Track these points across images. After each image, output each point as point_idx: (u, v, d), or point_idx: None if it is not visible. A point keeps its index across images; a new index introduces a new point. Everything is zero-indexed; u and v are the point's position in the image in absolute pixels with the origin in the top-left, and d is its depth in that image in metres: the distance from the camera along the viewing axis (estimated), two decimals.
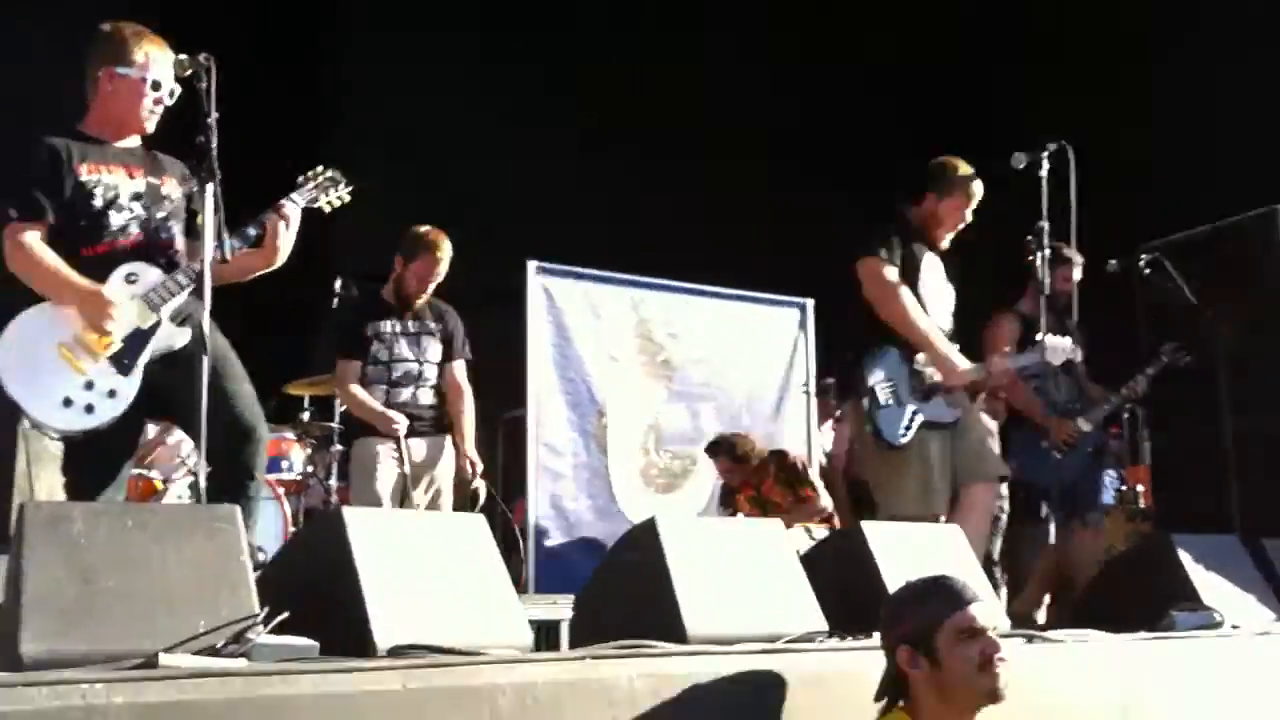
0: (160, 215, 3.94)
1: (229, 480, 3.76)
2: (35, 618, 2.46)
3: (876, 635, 3.17)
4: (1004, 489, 5.79)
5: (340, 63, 11.58)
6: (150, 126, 4.02)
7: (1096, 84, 10.06)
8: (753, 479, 7.05)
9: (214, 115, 3.67)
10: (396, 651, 2.73)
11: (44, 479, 5.36)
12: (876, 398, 5.04)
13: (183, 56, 3.79)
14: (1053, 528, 5.69)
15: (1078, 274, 6.04)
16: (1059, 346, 5.16)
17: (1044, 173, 5.24)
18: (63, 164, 3.84)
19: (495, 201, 11.89)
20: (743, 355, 7.49)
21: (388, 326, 5.80)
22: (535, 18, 11.50)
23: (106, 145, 3.97)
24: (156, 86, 3.95)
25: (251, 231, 3.94)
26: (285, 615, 2.69)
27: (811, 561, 3.80)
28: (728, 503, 7.20)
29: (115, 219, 3.87)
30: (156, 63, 3.94)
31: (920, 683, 2.88)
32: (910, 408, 5.06)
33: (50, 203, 3.81)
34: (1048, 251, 5.30)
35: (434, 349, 5.88)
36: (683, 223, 10.26)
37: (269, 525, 5.98)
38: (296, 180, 4.13)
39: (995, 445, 5.37)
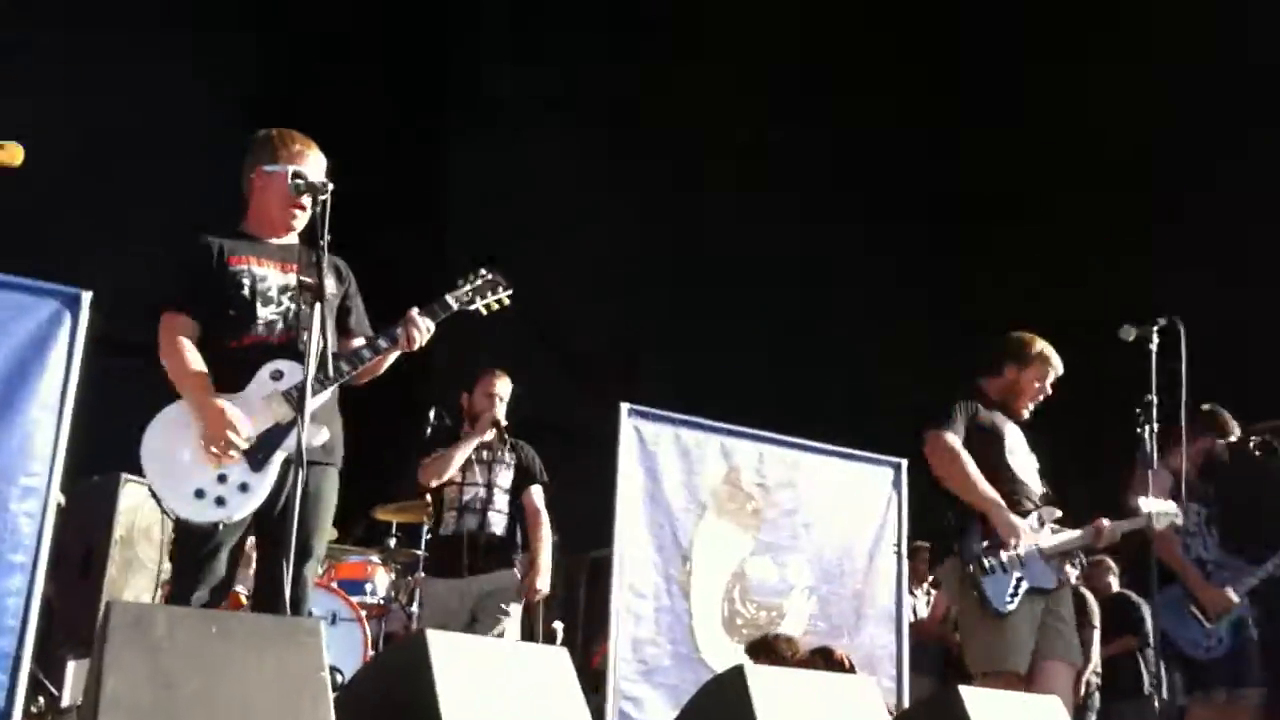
0: (311, 311, 3.88)
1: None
2: (112, 718, 2.42)
3: None
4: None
5: (445, 188, 11.86)
6: (296, 223, 4.06)
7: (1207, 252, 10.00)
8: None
9: (327, 238, 3.73)
10: None
11: (134, 585, 5.42)
12: (982, 563, 4.92)
13: (299, 181, 3.90)
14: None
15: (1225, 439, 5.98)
16: (1162, 511, 5.13)
17: (1153, 346, 5.15)
18: (213, 256, 3.92)
19: (591, 340, 12.02)
20: (834, 511, 7.30)
21: None
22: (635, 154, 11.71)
23: (260, 241, 4.04)
24: (299, 176, 3.97)
25: (382, 344, 3.97)
26: None
27: None
28: None
29: (263, 312, 3.90)
30: (300, 159, 4.02)
31: None
32: (1015, 574, 4.97)
33: (199, 293, 3.89)
34: (1155, 426, 5.17)
35: (505, 476, 6.00)
36: (779, 368, 10.25)
37: (349, 648, 5.91)
38: (456, 281, 4.15)
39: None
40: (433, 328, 4.06)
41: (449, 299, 4.12)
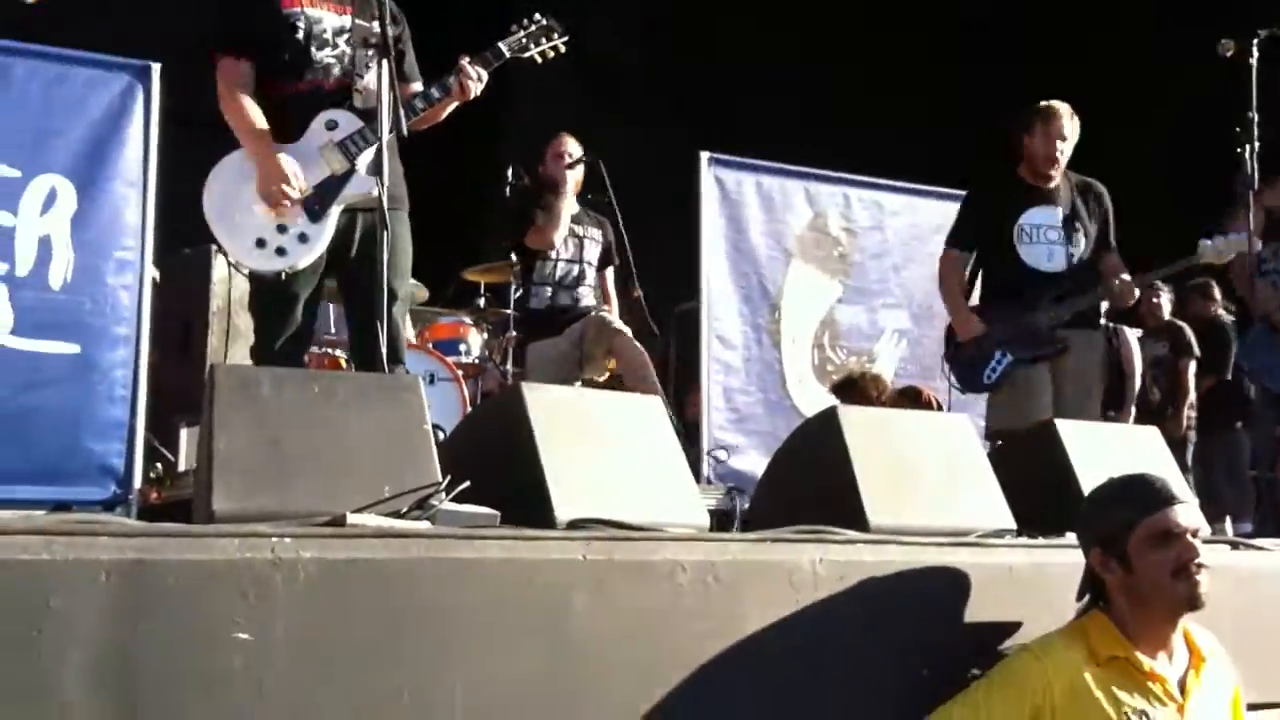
0: (366, 55, 3.88)
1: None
2: (226, 476, 2.50)
3: (1069, 535, 3.04)
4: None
5: None
6: None
7: None
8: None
9: None
10: (576, 524, 2.70)
11: (236, 356, 5.55)
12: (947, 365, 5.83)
13: None
14: None
15: None
16: (1216, 247, 5.24)
17: (1254, 60, 4.89)
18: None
19: (668, 94, 11.78)
20: (923, 253, 7.21)
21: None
22: None
23: None
24: None
25: (435, 93, 3.92)
26: (467, 484, 2.68)
27: (1000, 459, 3.65)
28: None
29: (318, 56, 3.87)
30: None
31: (1114, 587, 2.74)
32: (994, 356, 5.51)
33: (252, 34, 3.86)
34: (1257, 145, 4.96)
35: (593, 251, 6.12)
36: (864, 110, 10.01)
37: (447, 406, 6.04)
38: (510, 28, 4.06)
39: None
40: (485, 76, 3.97)
41: (502, 46, 4.04)
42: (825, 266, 7.10)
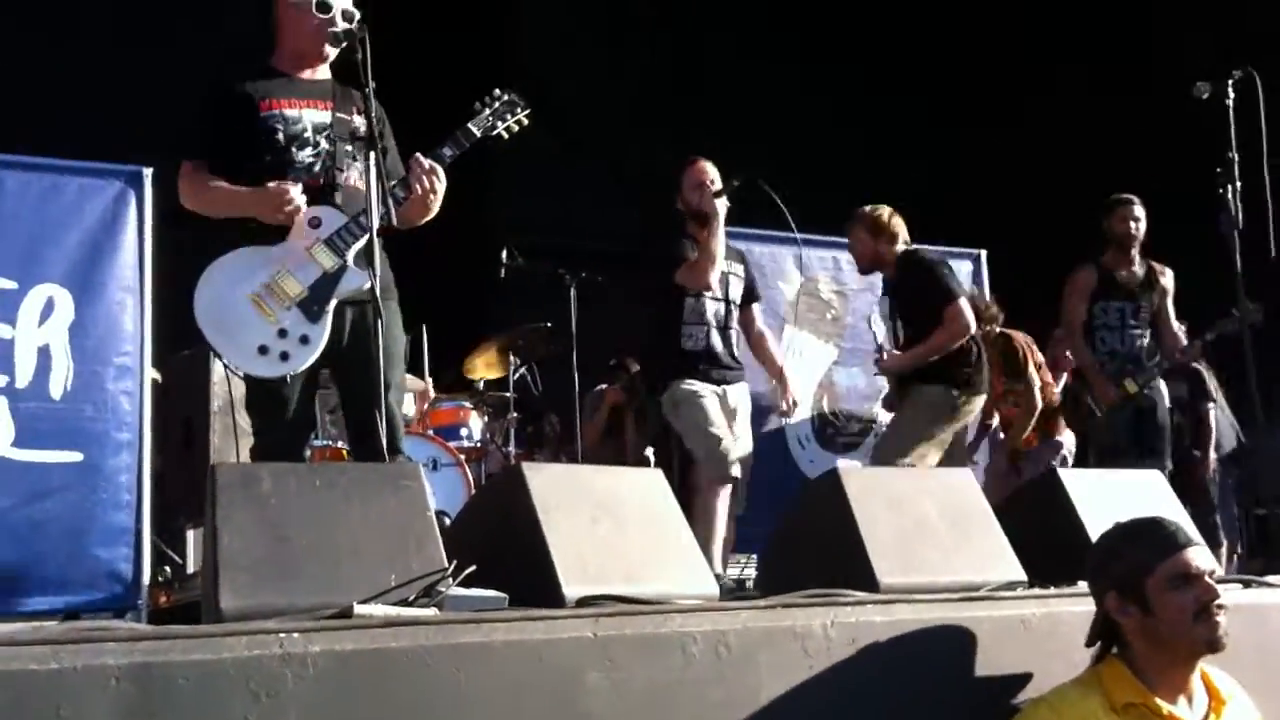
0: (348, 149, 3.90)
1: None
2: (231, 574, 2.50)
3: (1081, 584, 3.03)
4: None
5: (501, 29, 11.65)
6: (328, 51, 3.95)
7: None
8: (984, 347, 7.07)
9: (371, 86, 3.64)
10: (585, 602, 2.69)
11: (238, 453, 5.55)
12: None
13: (335, 30, 3.81)
14: None
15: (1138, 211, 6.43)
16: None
17: (1230, 102, 4.94)
18: (241, 104, 3.86)
19: (661, 164, 11.87)
20: None
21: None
22: None
23: (293, 80, 3.98)
24: (324, 8, 3.89)
25: (399, 193, 3.85)
26: (473, 568, 2.68)
27: (1006, 510, 3.65)
28: None
29: (300, 155, 3.87)
30: None
31: (1132, 631, 2.72)
32: None
33: (223, 142, 3.85)
34: (1239, 184, 4.98)
35: (737, 289, 5.67)
36: (844, 171, 10.09)
37: (452, 491, 6.04)
38: (474, 106, 4.04)
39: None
40: (441, 174, 3.90)
41: (471, 127, 4.00)
42: (819, 330, 7.13)
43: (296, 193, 3.76)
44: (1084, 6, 11.31)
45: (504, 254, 7.30)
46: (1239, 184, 4.96)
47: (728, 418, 5.42)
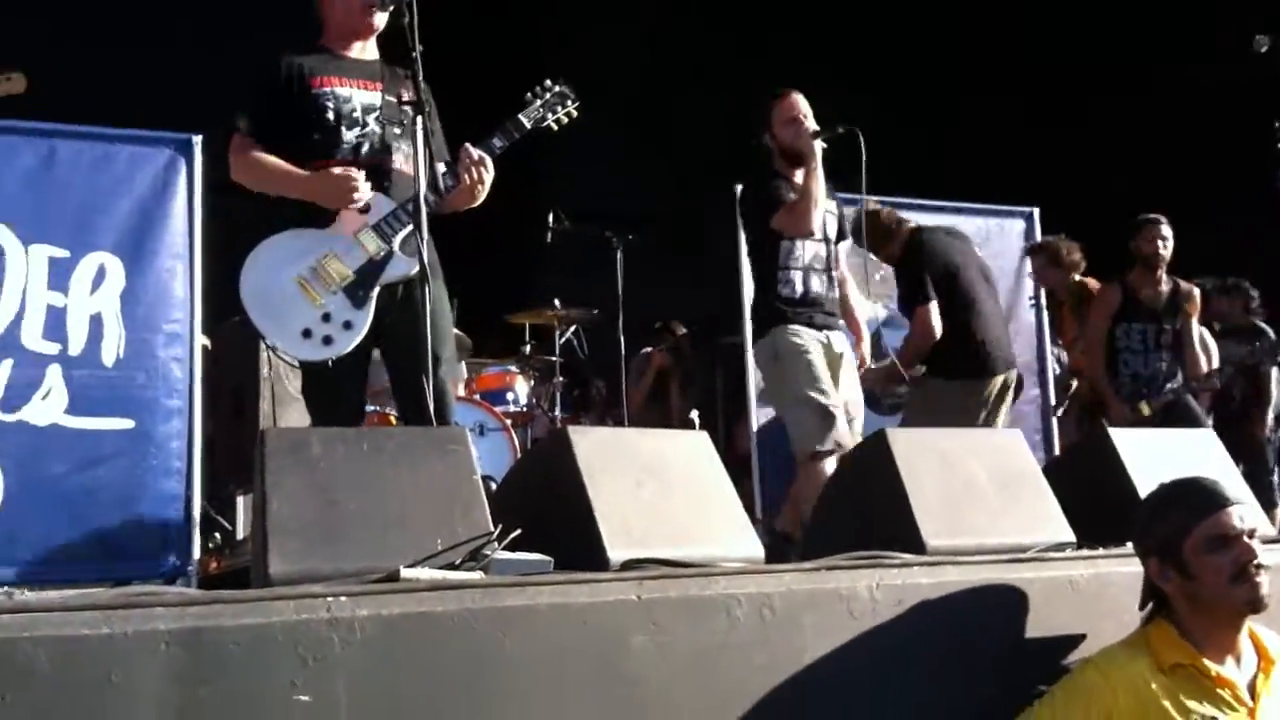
0: (395, 133, 3.89)
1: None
2: (280, 539, 2.52)
3: (1130, 545, 3.00)
4: None
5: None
6: (378, 23, 3.93)
7: None
8: (1061, 294, 7.26)
9: (419, 49, 3.61)
10: (630, 565, 2.70)
11: (287, 420, 5.60)
12: None
13: None
14: None
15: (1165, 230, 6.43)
16: None
17: None
18: (293, 79, 3.86)
19: (703, 130, 11.82)
20: None
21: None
22: None
23: (343, 59, 3.96)
24: None
25: (448, 182, 3.85)
26: (518, 532, 2.69)
27: (1055, 470, 3.62)
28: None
29: (348, 135, 3.85)
30: None
31: (1175, 594, 2.70)
32: None
33: (273, 118, 3.85)
34: None
35: (833, 226, 5.34)
36: (899, 131, 9.99)
37: (498, 456, 6.07)
38: (525, 98, 4.03)
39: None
40: (490, 165, 3.89)
41: (522, 118, 4.00)
42: (868, 290, 7.06)
43: (362, 181, 3.75)
44: None
45: (550, 218, 7.29)
46: None
47: (833, 366, 5.14)
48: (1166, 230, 6.50)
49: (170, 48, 9.08)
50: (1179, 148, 9.96)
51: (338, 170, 3.75)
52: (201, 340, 5.34)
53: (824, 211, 5.16)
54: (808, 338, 5.08)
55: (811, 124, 5.13)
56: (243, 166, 3.87)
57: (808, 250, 5.17)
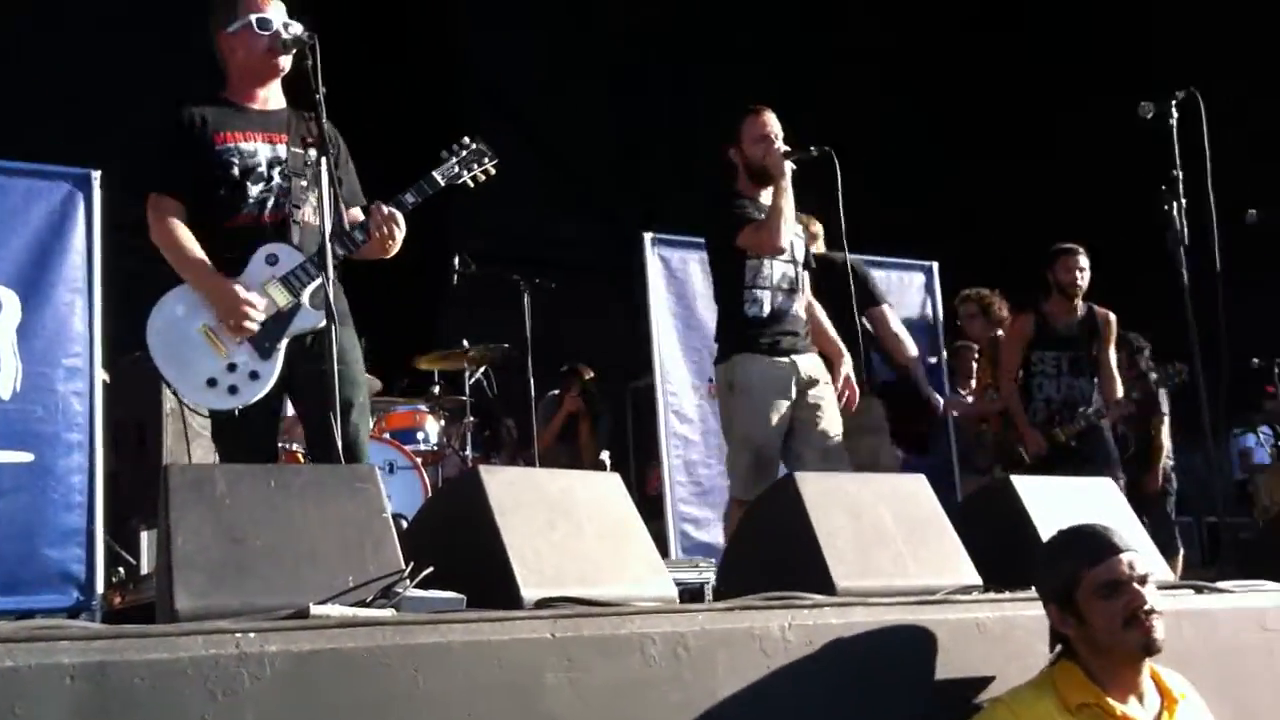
0: (303, 184, 3.86)
1: None
2: (186, 574, 2.48)
3: (1033, 589, 3.06)
4: None
5: (456, 43, 11.65)
6: (283, 64, 3.90)
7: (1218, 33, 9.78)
8: (983, 344, 7.42)
9: (322, 91, 3.61)
10: (543, 604, 2.69)
11: (196, 455, 5.50)
12: None
13: (284, 36, 3.77)
14: None
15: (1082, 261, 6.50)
16: None
17: (1174, 122, 5.02)
18: (196, 134, 3.82)
19: (611, 175, 11.91)
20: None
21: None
22: None
23: (247, 112, 3.92)
24: (264, 25, 3.85)
25: (358, 236, 3.85)
26: (430, 570, 2.67)
27: (961, 516, 3.68)
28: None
29: (253, 190, 3.82)
30: (259, 8, 3.87)
31: (1075, 639, 2.75)
32: None
33: (185, 173, 3.81)
34: (1184, 201, 5.05)
35: (800, 248, 5.24)
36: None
37: (409, 495, 6.01)
38: (440, 154, 4.03)
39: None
40: (401, 221, 3.87)
41: (436, 175, 3.99)
42: None
43: (259, 313, 3.72)
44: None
45: (456, 261, 7.29)
46: (1184, 201, 5.03)
47: (803, 389, 5.01)
48: (1084, 260, 6.58)
49: (69, 82, 8.94)
50: (1077, 203, 10.26)
51: (241, 291, 3.71)
52: (102, 375, 5.24)
53: (793, 233, 5.10)
54: (768, 369, 4.97)
55: (781, 144, 5.06)
56: (159, 231, 3.81)
57: (776, 270, 5.07)
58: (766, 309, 5.02)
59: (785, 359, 5.00)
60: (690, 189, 10.88)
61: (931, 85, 11.90)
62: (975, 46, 11.62)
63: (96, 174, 5.34)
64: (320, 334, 3.68)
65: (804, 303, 5.19)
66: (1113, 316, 6.71)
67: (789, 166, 4.98)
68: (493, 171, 4.13)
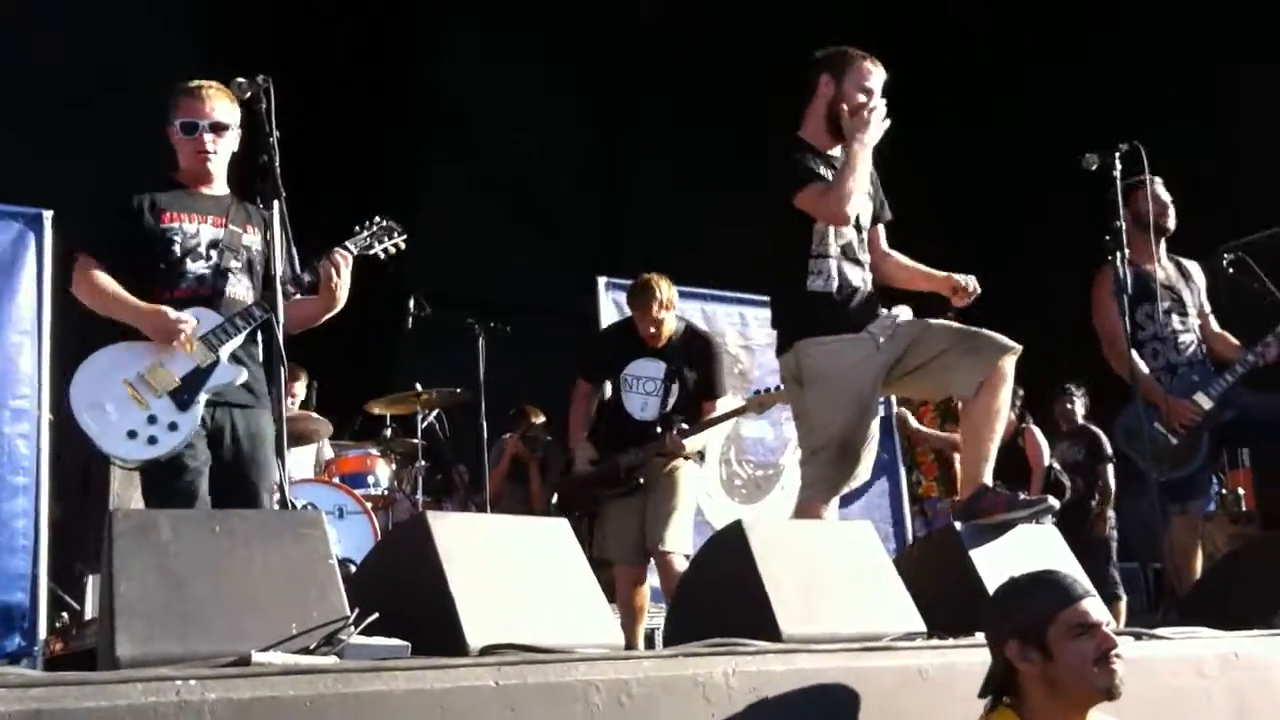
0: (237, 265, 4.07)
1: None
2: (128, 620, 2.47)
3: (978, 635, 3.09)
4: None
5: (414, 85, 11.68)
6: (214, 169, 4.11)
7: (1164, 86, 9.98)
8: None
9: (275, 135, 3.79)
10: (488, 651, 2.69)
11: (137, 500, 5.47)
12: None
13: (240, 80, 3.90)
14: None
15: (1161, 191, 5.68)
16: None
17: (1117, 174, 5.12)
18: (144, 213, 4.01)
19: (570, 219, 11.95)
20: None
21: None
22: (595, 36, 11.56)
23: (194, 195, 4.12)
24: (189, 129, 4.06)
25: (306, 278, 4.04)
26: (375, 616, 2.67)
27: (906, 562, 3.72)
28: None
29: (193, 267, 4.02)
30: (190, 111, 4.07)
31: (1030, 677, 2.77)
32: None
33: (120, 249, 3.99)
34: (1127, 252, 5.14)
35: (867, 213, 4.45)
36: (749, 231, 10.27)
37: (358, 539, 5.99)
38: (353, 229, 4.23)
39: None
40: (350, 265, 4.10)
41: (349, 244, 4.18)
42: (727, 383, 7.19)
43: (190, 327, 3.89)
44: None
45: (411, 304, 7.30)
46: (1126, 251, 5.12)
47: (905, 352, 4.23)
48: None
49: (23, 122, 8.90)
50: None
51: (171, 312, 3.89)
52: (49, 417, 5.20)
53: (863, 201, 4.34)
54: (846, 349, 4.21)
55: (883, 108, 4.28)
56: (84, 285, 4.00)
57: (844, 235, 4.33)
58: (835, 281, 4.27)
59: (862, 333, 4.24)
60: (649, 233, 11.01)
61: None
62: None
63: (48, 214, 5.32)
64: (236, 416, 3.95)
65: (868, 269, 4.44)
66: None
67: (881, 131, 4.24)
68: (402, 246, 4.34)
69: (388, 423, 7.37)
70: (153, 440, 3.83)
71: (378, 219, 4.29)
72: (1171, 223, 5.66)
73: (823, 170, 4.23)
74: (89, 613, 5.51)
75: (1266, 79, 9.23)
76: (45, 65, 9.06)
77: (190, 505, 3.86)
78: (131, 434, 3.82)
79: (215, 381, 3.92)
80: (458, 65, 11.41)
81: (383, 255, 4.30)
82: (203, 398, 3.90)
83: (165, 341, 3.86)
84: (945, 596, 3.56)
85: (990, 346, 4.16)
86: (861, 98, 4.27)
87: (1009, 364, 4.16)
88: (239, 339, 3.96)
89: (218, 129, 4.05)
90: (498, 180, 11.33)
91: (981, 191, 11.36)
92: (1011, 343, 4.17)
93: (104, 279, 3.96)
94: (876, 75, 4.32)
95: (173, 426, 3.85)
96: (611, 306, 6.96)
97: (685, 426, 5.58)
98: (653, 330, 5.71)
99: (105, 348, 3.93)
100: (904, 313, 4.37)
